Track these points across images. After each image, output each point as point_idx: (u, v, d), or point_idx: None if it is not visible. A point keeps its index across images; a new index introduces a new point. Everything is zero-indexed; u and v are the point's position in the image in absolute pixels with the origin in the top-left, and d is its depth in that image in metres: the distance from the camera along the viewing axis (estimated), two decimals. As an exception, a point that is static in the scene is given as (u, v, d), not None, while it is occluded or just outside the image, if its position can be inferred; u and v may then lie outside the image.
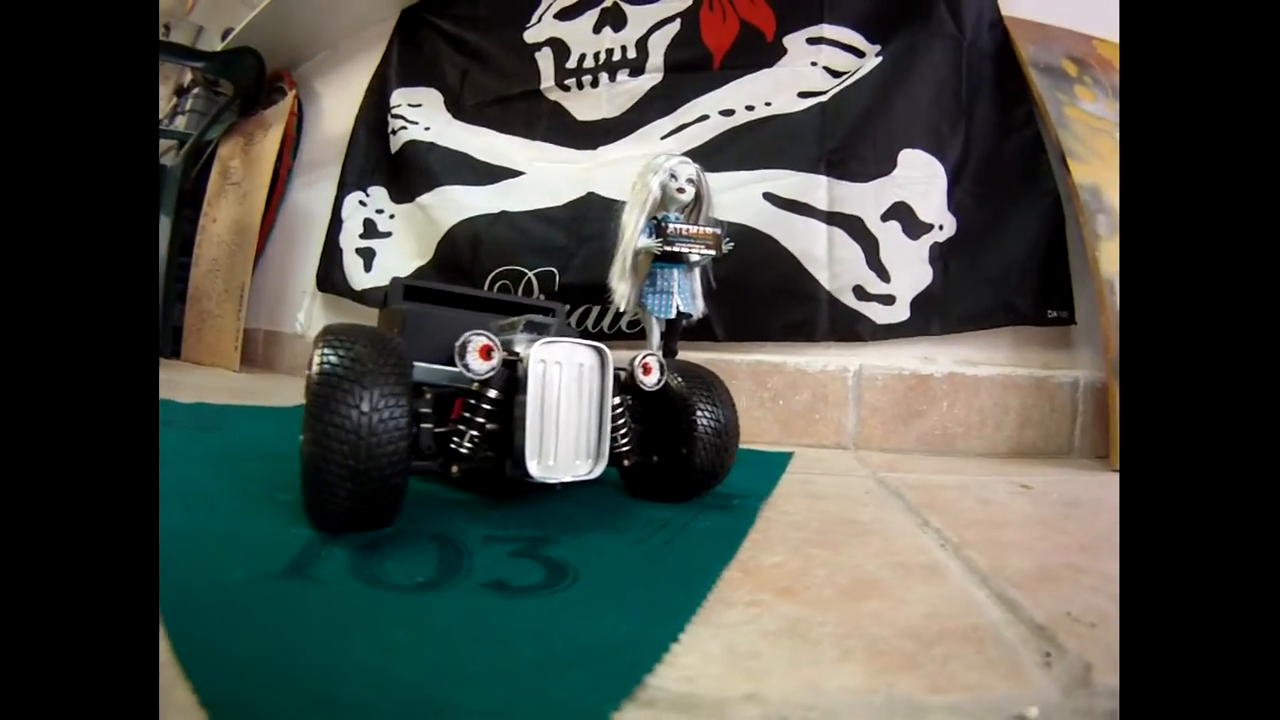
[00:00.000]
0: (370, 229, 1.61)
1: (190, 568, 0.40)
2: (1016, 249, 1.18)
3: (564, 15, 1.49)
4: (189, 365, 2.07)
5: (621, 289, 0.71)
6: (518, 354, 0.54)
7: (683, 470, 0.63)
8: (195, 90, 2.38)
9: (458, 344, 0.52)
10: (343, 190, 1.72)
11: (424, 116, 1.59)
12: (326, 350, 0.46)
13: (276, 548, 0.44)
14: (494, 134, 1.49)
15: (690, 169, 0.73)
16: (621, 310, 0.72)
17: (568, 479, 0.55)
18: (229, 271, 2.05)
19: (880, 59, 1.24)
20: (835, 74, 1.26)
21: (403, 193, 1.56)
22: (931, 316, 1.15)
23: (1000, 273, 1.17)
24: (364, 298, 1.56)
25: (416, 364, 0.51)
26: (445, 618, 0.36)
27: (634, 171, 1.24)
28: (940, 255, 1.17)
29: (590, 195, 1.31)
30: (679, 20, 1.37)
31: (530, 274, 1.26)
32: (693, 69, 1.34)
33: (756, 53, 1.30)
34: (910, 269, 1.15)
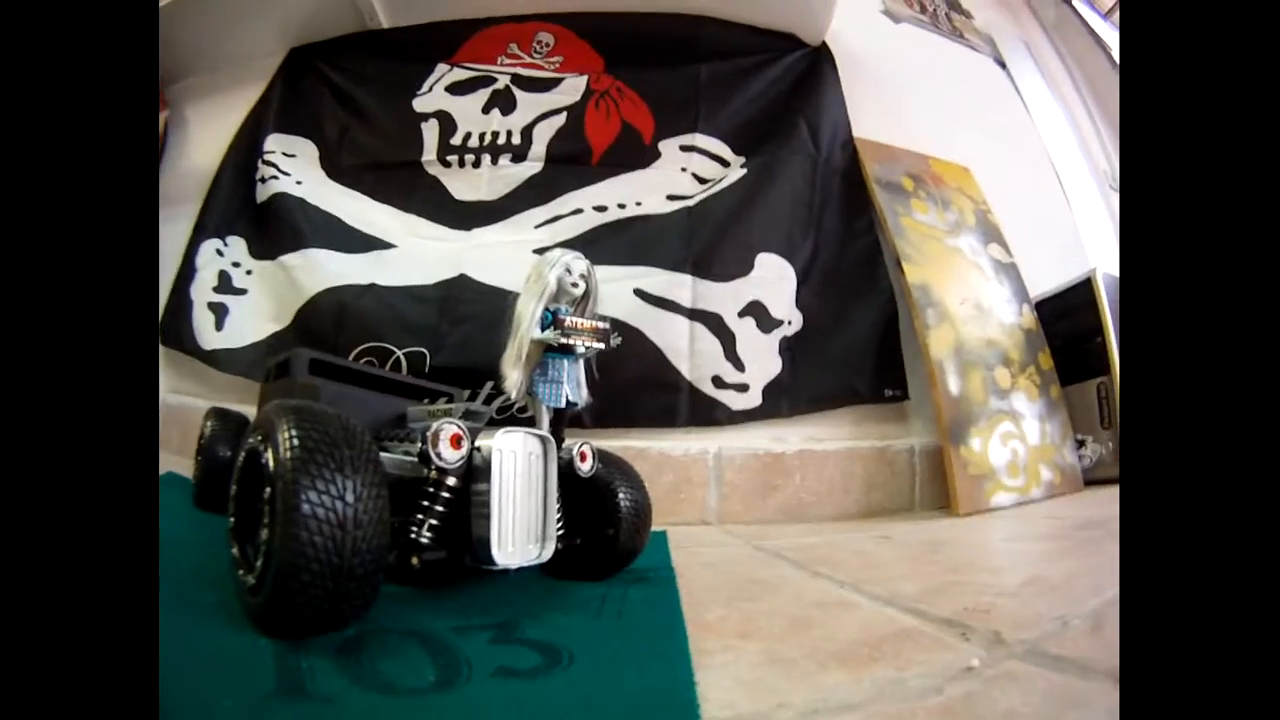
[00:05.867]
0: (225, 283, 1.47)
1: (160, 699, 0.31)
2: (856, 339, 1.37)
3: (456, 89, 1.50)
4: None
5: (514, 376, 0.73)
6: (476, 444, 0.56)
7: (608, 550, 0.67)
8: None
9: (429, 432, 0.52)
10: (199, 234, 1.56)
11: (296, 169, 1.51)
12: (295, 432, 0.42)
13: (244, 664, 0.39)
14: (367, 200, 1.44)
15: (583, 264, 0.77)
16: (513, 398, 0.74)
17: (524, 564, 0.56)
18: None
19: (745, 170, 1.40)
20: (702, 180, 1.40)
21: (265, 248, 1.45)
22: (781, 401, 1.28)
23: (842, 360, 1.34)
24: (213, 359, 1.40)
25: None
26: (493, 709, 0.36)
27: (507, 257, 1.29)
28: (789, 347, 1.32)
29: (462, 276, 1.31)
30: (565, 114, 1.44)
31: (399, 353, 1.22)
32: (572, 162, 1.41)
33: (633, 153, 1.40)
34: (762, 360, 1.28)
